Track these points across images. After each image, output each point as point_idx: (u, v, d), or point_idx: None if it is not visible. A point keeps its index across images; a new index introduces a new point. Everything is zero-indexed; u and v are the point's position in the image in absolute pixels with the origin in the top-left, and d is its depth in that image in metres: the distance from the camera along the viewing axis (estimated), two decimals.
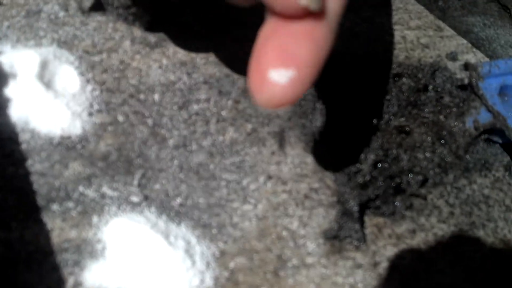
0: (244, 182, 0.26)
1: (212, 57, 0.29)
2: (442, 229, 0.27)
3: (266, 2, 0.17)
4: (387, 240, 0.26)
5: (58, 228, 0.23)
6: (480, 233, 0.28)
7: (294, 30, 0.18)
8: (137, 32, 0.29)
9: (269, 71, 0.17)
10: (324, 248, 0.25)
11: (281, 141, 0.28)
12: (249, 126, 0.28)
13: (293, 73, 0.17)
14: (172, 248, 0.23)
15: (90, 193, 0.24)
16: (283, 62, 0.17)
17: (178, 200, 0.24)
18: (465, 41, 0.35)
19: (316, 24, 0.18)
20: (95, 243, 0.23)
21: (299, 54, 0.17)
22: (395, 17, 0.35)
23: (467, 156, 0.30)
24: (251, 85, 0.18)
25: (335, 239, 0.25)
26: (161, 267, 0.22)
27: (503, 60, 0.31)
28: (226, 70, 0.29)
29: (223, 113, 0.28)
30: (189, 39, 0.29)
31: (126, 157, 0.25)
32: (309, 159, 0.27)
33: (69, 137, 0.25)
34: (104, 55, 0.28)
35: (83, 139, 0.25)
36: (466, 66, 0.32)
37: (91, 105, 0.26)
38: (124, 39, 0.28)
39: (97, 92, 0.26)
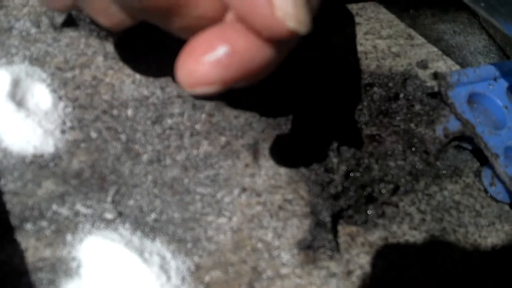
0: (219, 195, 0.26)
1: None
2: (414, 236, 0.28)
3: (252, 27, 0.17)
4: (360, 249, 0.27)
5: (32, 247, 0.23)
6: (451, 238, 0.28)
7: (240, 28, 0.18)
8: (110, 47, 0.29)
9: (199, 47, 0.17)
10: (298, 258, 0.25)
11: (255, 153, 0.28)
12: (223, 139, 0.28)
13: (225, 50, 0.17)
14: (147, 265, 0.23)
15: (64, 211, 0.24)
16: (217, 41, 0.17)
17: (153, 216, 0.25)
18: (435, 49, 0.35)
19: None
20: (70, 262, 0.23)
21: (235, 43, 0.17)
22: (367, 27, 0.35)
23: (438, 163, 0.31)
24: (179, 58, 0.18)
25: (309, 249, 0.26)
26: (136, 284, 0.22)
27: (472, 69, 0.32)
28: None
29: (197, 126, 0.28)
30: (162, 54, 0.29)
31: (100, 173, 0.25)
32: (283, 171, 0.28)
33: (41, 156, 0.25)
34: (77, 71, 0.28)
35: (55, 157, 0.25)
36: (436, 76, 0.32)
37: (64, 122, 0.26)
38: (96, 54, 0.29)
39: (69, 109, 0.26)
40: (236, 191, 0.27)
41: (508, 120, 0.31)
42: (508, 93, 0.32)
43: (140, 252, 0.23)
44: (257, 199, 0.27)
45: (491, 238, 0.29)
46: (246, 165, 0.27)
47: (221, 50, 0.17)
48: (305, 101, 0.30)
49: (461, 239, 0.28)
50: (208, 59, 0.17)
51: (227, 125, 0.28)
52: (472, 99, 0.32)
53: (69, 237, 0.23)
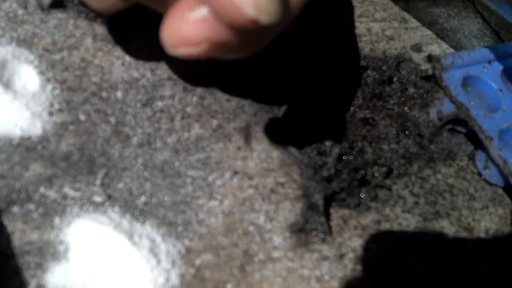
0: (210, 178, 0.26)
1: None
2: (407, 219, 0.27)
3: (214, 11, 0.16)
4: (353, 232, 0.26)
5: (19, 230, 0.22)
6: (445, 222, 0.28)
7: None
8: (99, 28, 0.28)
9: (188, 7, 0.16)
10: (290, 241, 0.25)
11: (247, 136, 0.28)
12: (214, 122, 0.27)
13: (206, 10, 0.16)
14: (136, 248, 0.23)
15: (52, 194, 0.23)
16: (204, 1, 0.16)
17: (143, 199, 0.24)
18: (429, 32, 0.35)
19: None
20: (57, 245, 0.22)
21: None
22: (361, 10, 0.35)
23: (432, 147, 0.30)
24: (165, 19, 0.17)
25: (301, 233, 0.26)
26: (125, 268, 0.22)
27: (466, 52, 0.32)
28: (190, 66, 0.29)
29: (188, 109, 0.27)
30: (152, 35, 0.29)
31: (88, 156, 0.25)
32: (275, 154, 0.27)
33: (29, 138, 0.24)
34: (65, 53, 0.27)
35: (43, 139, 0.24)
36: (430, 58, 0.32)
37: (52, 105, 0.25)
38: (85, 36, 0.28)
39: (57, 91, 0.26)
40: (227, 174, 0.26)
41: (502, 103, 0.31)
42: (502, 76, 0.32)
43: (130, 236, 0.23)
44: (249, 182, 0.26)
45: (484, 221, 0.29)
46: (238, 148, 0.27)
47: (207, 9, 0.16)
48: (298, 84, 0.30)
49: (455, 222, 0.28)
50: (194, 16, 0.16)
51: (219, 108, 0.28)
52: (466, 82, 0.31)
53: (57, 220, 0.23)
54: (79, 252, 0.22)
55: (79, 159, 0.25)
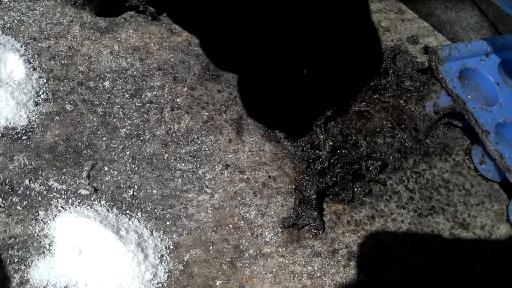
0: (200, 171, 0.25)
1: (166, 42, 0.28)
2: (402, 215, 0.27)
3: None
4: (346, 227, 0.26)
5: (3, 223, 0.22)
6: (440, 218, 0.28)
7: None
8: (87, 16, 0.28)
9: None
10: (282, 237, 0.25)
11: (239, 129, 0.27)
12: (205, 114, 0.27)
13: None
14: (123, 242, 0.22)
15: (37, 186, 0.22)
16: None
17: (130, 192, 0.24)
18: (426, 24, 0.34)
19: None
20: (42, 239, 0.22)
21: None
22: (357, 0, 0.34)
23: (427, 141, 0.30)
24: None
25: (293, 228, 0.25)
26: (111, 262, 0.21)
27: (463, 43, 0.31)
28: (181, 56, 0.28)
29: (178, 100, 0.27)
30: (142, 24, 0.28)
31: (75, 148, 0.24)
32: (268, 147, 0.27)
33: (14, 128, 0.23)
34: (52, 41, 0.26)
35: (28, 130, 0.24)
36: (426, 50, 0.31)
37: (38, 94, 0.25)
38: (73, 24, 0.27)
39: (44, 80, 0.25)
40: (218, 168, 0.26)
41: (499, 96, 0.30)
42: (500, 69, 0.31)
43: (117, 230, 0.22)
44: (240, 175, 0.26)
45: (480, 217, 0.28)
46: (229, 141, 0.26)
47: None
48: (292, 76, 0.29)
49: (450, 218, 0.28)
50: None
51: (210, 99, 0.27)
52: (463, 74, 0.31)
53: (41, 213, 0.22)
54: (64, 246, 0.21)
55: (65, 151, 0.24)
